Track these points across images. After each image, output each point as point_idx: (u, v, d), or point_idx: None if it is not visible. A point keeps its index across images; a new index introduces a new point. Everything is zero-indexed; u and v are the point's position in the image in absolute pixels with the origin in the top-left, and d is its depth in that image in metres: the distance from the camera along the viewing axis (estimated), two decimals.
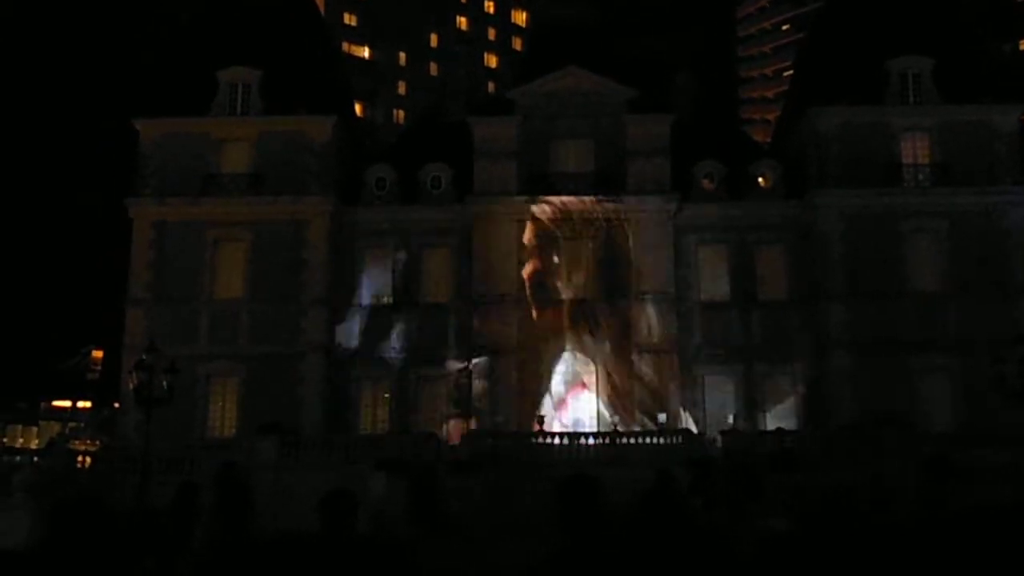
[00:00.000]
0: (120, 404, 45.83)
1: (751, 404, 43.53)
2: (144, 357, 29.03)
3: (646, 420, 41.46)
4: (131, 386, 30.52)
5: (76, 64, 75.88)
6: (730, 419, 41.68)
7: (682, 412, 42.46)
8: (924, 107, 45.27)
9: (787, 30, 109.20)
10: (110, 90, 69.60)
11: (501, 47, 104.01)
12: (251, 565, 6.86)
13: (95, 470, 36.08)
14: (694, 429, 40.90)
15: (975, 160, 44.59)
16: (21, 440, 78.17)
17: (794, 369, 43.96)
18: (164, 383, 29.01)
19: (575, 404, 43.07)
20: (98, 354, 74.29)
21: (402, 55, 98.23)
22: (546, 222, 44.73)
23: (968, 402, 41.20)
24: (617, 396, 42.51)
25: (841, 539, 7.21)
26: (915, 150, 45.33)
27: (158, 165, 45.87)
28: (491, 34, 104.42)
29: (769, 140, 60.44)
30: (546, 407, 42.43)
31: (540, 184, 45.08)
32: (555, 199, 44.66)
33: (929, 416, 41.16)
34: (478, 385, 43.48)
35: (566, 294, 44.08)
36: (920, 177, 44.94)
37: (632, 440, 37.17)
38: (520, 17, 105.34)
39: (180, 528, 8.90)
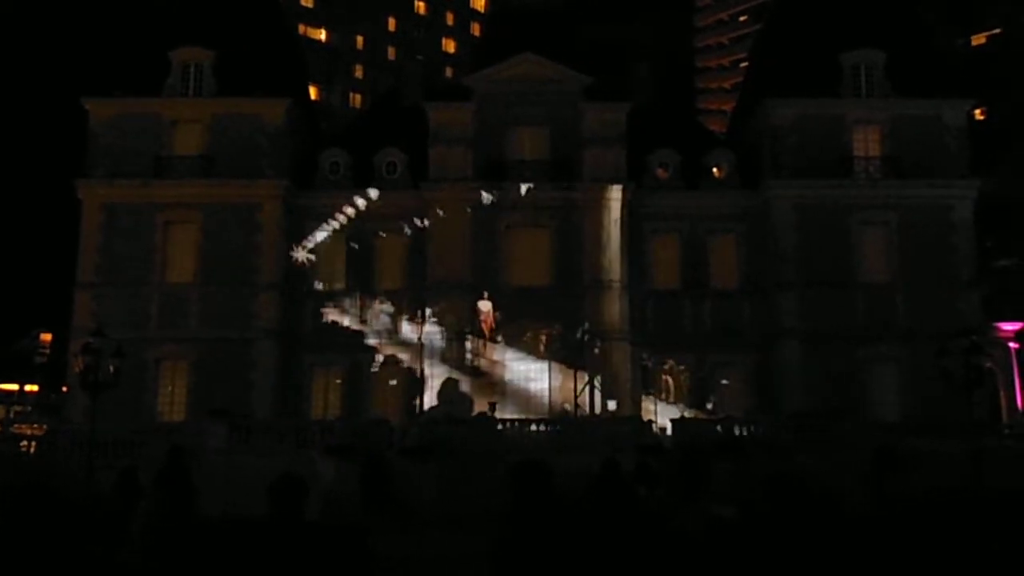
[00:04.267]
0: (67, 388, 45.21)
1: (701, 392, 43.90)
2: (91, 341, 28.65)
3: (597, 407, 41.66)
4: (77, 370, 30.11)
5: (25, 41, 74.40)
6: None
7: (630, 399, 42.72)
8: (876, 100, 45.83)
9: (744, 21, 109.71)
10: (59, 69, 68.37)
11: (459, 32, 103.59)
12: (192, 549, 6.79)
13: (41, 454, 35.48)
14: (651, 416, 41.19)
15: (925, 153, 45.23)
16: None
17: (745, 358, 44.39)
18: (111, 367, 28.63)
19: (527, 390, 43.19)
20: (46, 337, 73.02)
21: (359, 38, 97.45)
22: (500, 210, 44.76)
23: (915, 392, 41.86)
24: (568, 383, 42.64)
25: (786, 526, 7.28)
26: (867, 143, 45.90)
27: (108, 146, 45.22)
28: (449, 19, 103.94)
29: (725, 130, 60.80)
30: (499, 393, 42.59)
31: (496, 171, 45.03)
32: (510, 186, 44.66)
33: (877, 405, 41.89)
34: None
35: (520, 281, 44.11)
36: (871, 169, 45.50)
37: (582, 427, 37.28)
38: (479, 2, 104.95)
39: (120, 513, 8.80)
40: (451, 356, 43.78)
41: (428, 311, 44.47)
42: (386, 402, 43.99)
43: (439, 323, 43.90)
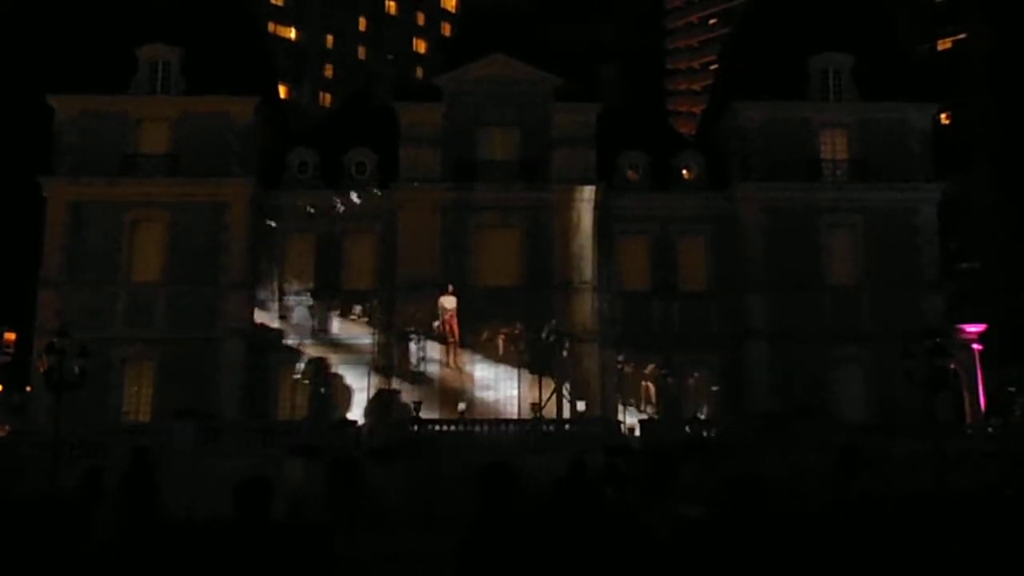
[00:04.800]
0: (32, 388, 44.74)
1: (670, 393, 44.05)
2: (55, 340, 28.36)
3: (566, 408, 41.69)
4: (41, 370, 29.82)
5: None
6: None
7: (599, 400, 42.78)
8: (843, 104, 46.22)
9: (714, 24, 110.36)
10: (25, 64, 67.62)
11: (430, 32, 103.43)
12: (156, 550, 6.74)
13: (4, 455, 35.05)
14: (620, 417, 41.33)
15: (891, 157, 45.68)
16: None
17: (713, 359, 44.60)
18: (76, 367, 28.36)
19: (497, 391, 43.09)
20: (10, 336, 72.28)
21: (329, 37, 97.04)
22: (470, 210, 44.73)
23: (880, 393, 42.30)
24: (538, 383, 42.62)
25: (752, 525, 7.32)
26: (834, 146, 46.26)
27: (74, 143, 44.79)
28: (420, 19, 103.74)
29: (694, 132, 61.10)
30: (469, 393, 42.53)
31: (466, 171, 44.99)
32: (480, 187, 44.65)
33: (843, 406, 42.28)
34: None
35: (489, 282, 44.08)
36: (838, 172, 45.87)
37: (551, 427, 37.35)
38: (450, 3, 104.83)
39: (84, 513, 8.72)
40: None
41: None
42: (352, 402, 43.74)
43: (406, 323, 43.57)
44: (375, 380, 43.77)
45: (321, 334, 44.61)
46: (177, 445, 33.39)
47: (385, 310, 44.30)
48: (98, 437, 33.77)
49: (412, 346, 43.00)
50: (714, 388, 44.06)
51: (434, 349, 43.11)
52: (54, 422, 29.43)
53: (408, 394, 42.12)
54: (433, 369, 43.07)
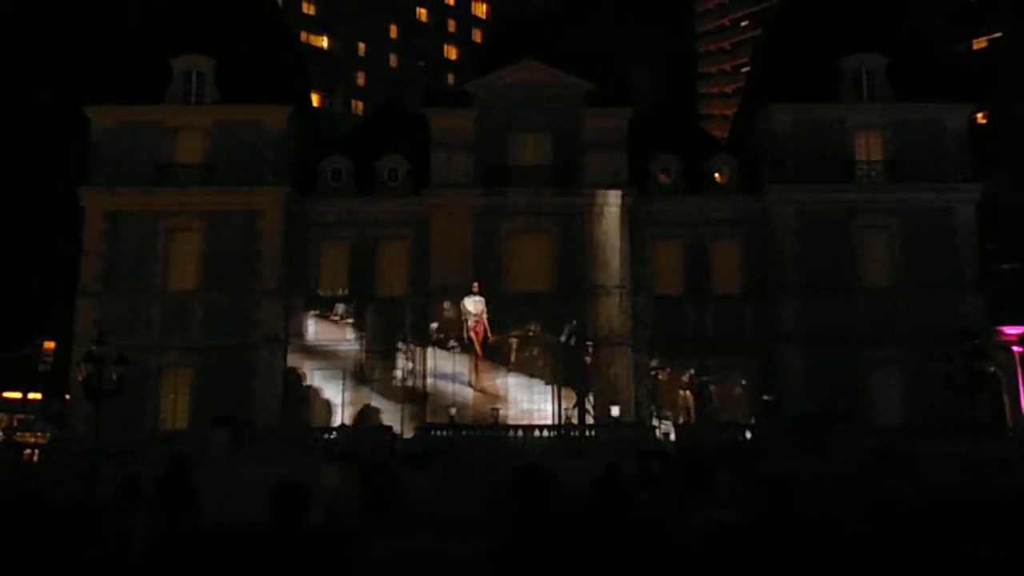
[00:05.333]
0: (70, 396, 45.28)
1: (703, 398, 43.85)
2: (93, 348, 28.70)
3: (600, 412, 41.60)
4: (80, 378, 30.18)
5: (27, 49, 74.59)
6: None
7: (632, 404, 42.68)
8: (877, 104, 45.82)
9: (746, 27, 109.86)
10: (62, 77, 68.57)
11: (461, 39, 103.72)
12: (194, 556, 6.82)
13: (44, 462, 35.47)
14: (654, 422, 41.21)
15: (926, 157, 45.22)
16: None
17: (747, 363, 44.33)
18: (113, 375, 28.68)
19: (530, 396, 43.05)
20: (50, 345, 73.14)
21: (361, 46, 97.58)
22: (502, 215, 44.82)
23: (916, 395, 41.86)
24: (571, 389, 42.60)
25: (786, 529, 7.30)
26: (868, 147, 45.88)
27: (111, 154, 45.34)
28: (451, 26, 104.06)
29: (726, 135, 60.84)
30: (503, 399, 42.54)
31: (497, 177, 45.10)
32: (511, 192, 44.73)
33: (879, 409, 41.84)
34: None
35: (521, 287, 44.10)
36: (873, 174, 45.48)
37: (585, 433, 37.28)
38: (480, 9, 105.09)
39: (120, 520, 8.82)
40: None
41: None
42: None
43: (439, 329, 43.61)
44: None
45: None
46: (212, 452, 33.60)
47: (418, 315, 44.43)
48: (135, 444, 34.06)
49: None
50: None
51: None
52: (93, 429, 29.76)
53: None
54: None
